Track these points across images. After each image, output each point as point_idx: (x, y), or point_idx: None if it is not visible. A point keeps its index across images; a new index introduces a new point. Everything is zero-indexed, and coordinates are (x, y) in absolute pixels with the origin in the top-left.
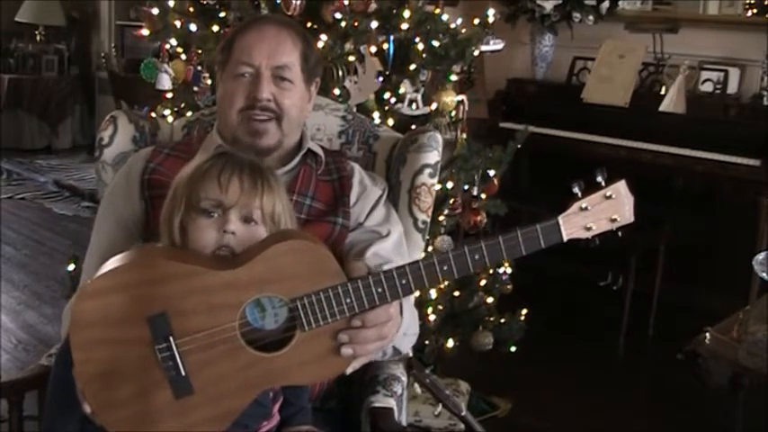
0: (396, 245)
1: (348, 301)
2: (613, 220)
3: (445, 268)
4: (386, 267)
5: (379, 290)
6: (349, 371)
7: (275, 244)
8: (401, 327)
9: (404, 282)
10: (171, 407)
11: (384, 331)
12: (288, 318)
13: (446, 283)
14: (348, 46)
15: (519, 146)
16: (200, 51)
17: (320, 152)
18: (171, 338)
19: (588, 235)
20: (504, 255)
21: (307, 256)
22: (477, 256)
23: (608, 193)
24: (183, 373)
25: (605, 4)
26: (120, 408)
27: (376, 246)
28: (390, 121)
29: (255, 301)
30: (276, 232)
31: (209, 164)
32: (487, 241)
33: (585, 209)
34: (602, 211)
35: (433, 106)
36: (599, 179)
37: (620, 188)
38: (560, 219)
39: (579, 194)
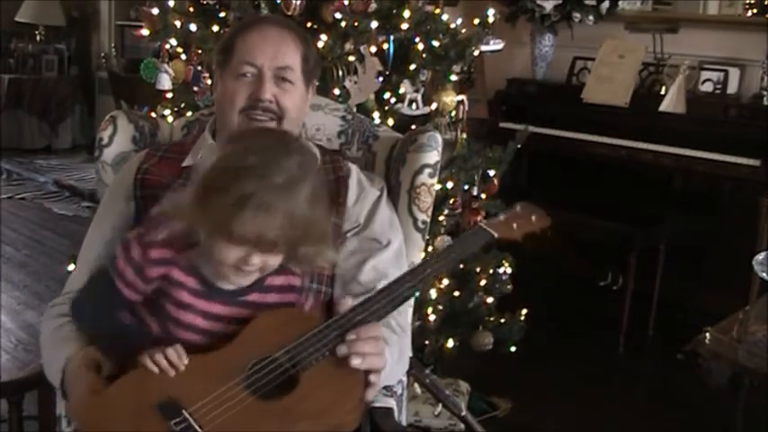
0: (395, 255)
1: (335, 333)
2: (530, 220)
3: (408, 285)
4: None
5: (359, 317)
6: (370, 396)
7: (253, 319)
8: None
9: (378, 306)
10: None
11: (379, 346)
12: (287, 367)
13: (446, 282)
14: (348, 46)
15: (519, 146)
16: (200, 51)
17: (316, 151)
18: (184, 411)
19: (518, 234)
20: (451, 260)
21: (282, 317)
22: (428, 269)
23: (513, 206)
24: None
25: (605, 4)
26: None
27: (375, 259)
28: (390, 121)
29: (254, 362)
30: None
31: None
32: (436, 253)
33: (497, 214)
34: (515, 215)
35: (433, 106)
36: None
37: (522, 203)
38: (480, 222)
39: None
